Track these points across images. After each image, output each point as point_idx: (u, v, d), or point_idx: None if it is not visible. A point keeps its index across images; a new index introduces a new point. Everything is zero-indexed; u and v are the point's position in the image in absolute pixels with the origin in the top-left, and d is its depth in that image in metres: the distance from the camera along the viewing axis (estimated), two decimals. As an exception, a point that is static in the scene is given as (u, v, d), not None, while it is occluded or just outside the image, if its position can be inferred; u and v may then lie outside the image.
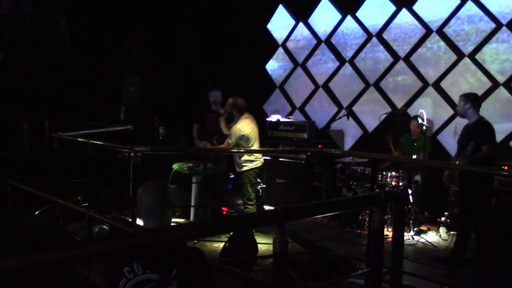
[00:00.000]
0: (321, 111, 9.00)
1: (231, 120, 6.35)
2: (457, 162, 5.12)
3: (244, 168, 6.15)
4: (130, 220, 5.16)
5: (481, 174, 4.81)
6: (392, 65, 8.03)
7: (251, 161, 6.15)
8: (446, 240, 6.11)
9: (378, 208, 2.12)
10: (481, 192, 4.95)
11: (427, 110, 7.20)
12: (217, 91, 7.33)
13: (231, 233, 5.27)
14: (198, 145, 7.05)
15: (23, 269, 1.23)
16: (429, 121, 7.16)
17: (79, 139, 5.20)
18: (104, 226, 5.61)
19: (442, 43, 7.43)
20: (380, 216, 2.11)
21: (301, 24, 9.29)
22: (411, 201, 6.40)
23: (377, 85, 8.20)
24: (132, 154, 4.60)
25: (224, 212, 7.26)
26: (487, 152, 4.81)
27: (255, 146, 6.21)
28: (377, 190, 5.89)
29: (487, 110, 6.82)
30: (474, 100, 5.10)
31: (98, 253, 1.29)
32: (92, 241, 1.33)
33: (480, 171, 4.69)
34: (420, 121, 6.70)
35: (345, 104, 8.62)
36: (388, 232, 5.78)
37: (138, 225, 4.43)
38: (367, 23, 8.35)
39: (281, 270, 1.74)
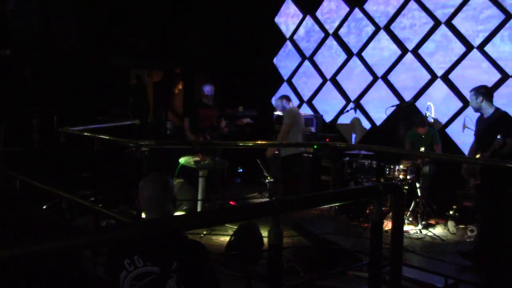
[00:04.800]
0: (329, 104, 8.97)
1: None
2: (477, 156, 5.06)
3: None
4: (136, 214, 5.19)
5: (503, 169, 4.74)
6: (400, 58, 7.96)
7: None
8: (454, 234, 6.06)
9: (377, 200, 2.11)
10: (503, 185, 4.86)
11: (436, 103, 7.14)
12: (211, 85, 7.32)
13: (238, 227, 5.28)
14: (191, 138, 7.11)
15: (15, 258, 1.24)
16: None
17: (85, 134, 5.23)
18: (112, 221, 5.65)
19: (450, 35, 7.35)
20: (378, 207, 2.10)
21: (308, 17, 9.25)
22: (419, 194, 6.36)
23: (385, 78, 8.15)
24: (134, 149, 4.62)
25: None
26: (510, 143, 4.74)
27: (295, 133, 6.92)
28: (383, 183, 5.85)
29: (497, 101, 6.76)
30: (484, 92, 5.02)
31: (87, 244, 1.30)
32: (81, 232, 1.33)
33: (492, 164, 4.63)
34: (427, 114, 6.64)
35: (353, 97, 8.58)
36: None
37: (143, 218, 4.45)
38: (375, 16, 8.29)
39: (276, 261, 1.73)
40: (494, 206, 4.91)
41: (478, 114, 5.28)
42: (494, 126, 4.91)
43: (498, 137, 4.75)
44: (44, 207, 5.36)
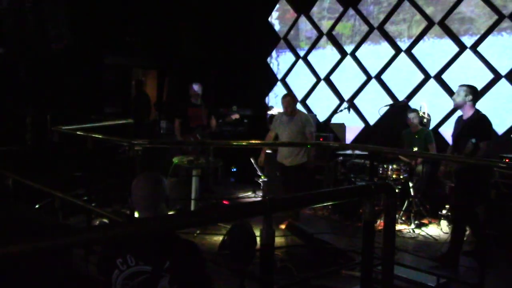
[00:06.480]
0: (322, 104, 8.99)
1: (292, 115, 6.39)
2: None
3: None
4: (129, 213, 5.18)
5: (478, 171, 4.74)
6: (393, 58, 7.99)
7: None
8: (447, 233, 6.08)
9: (369, 199, 2.12)
10: (477, 189, 4.85)
11: (429, 102, 7.18)
12: (198, 84, 7.31)
13: (231, 226, 5.28)
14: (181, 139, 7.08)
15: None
16: (428, 114, 7.14)
17: (78, 133, 5.21)
18: (105, 220, 5.63)
19: (444, 35, 7.38)
20: (370, 207, 2.11)
21: (302, 17, 9.26)
22: (412, 194, 6.38)
23: (378, 77, 8.17)
24: (127, 148, 4.61)
25: (225, 206, 7.28)
26: (486, 149, 4.70)
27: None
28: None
29: (489, 102, 6.80)
30: (475, 93, 4.93)
31: (79, 243, 1.29)
32: (72, 231, 1.33)
33: (479, 163, 4.64)
34: (420, 113, 6.67)
35: (346, 97, 8.60)
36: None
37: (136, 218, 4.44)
38: (368, 16, 8.31)
39: (268, 261, 1.74)
40: (469, 207, 4.92)
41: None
42: (471, 128, 4.83)
43: (473, 140, 4.68)
44: (37, 206, 5.34)
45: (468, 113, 4.93)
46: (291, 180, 6.34)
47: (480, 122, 4.84)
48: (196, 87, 7.22)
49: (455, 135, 5.15)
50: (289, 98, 6.46)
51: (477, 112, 4.92)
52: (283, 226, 5.79)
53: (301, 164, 6.32)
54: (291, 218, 5.87)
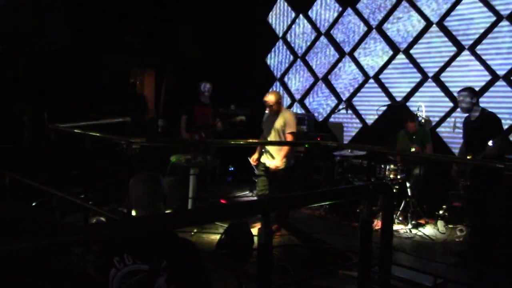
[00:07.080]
0: (320, 104, 8.98)
1: (276, 114, 6.02)
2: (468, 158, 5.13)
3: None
4: (126, 212, 5.18)
5: (493, 169, 4.80)
6: (391, 58, 7.99)
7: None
8: (444, 233, 6.10)
9: (367, 199, 2.12)
10: (492, 185, 4.95)
11: (426, 103, 7.18)
12: (208, 83, 7.29)
13: (228, 225, 5.28)
14: (186, 137, 7.06)
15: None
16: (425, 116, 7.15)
17: (76, 131, 5.20)
18: (102, 218, 5.62)
19: (442, 36, 7.38)
20: (368, 207, 2.11)
21: (301, 17, 9.26)
22: (410, 194, 6.39)
23: (376, 77, 8.17)
24: (125, 146, 4.61)
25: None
26: (500, 144, 4.78)
27: None
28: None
29: (487, 103, 6.81)
30: (476, 93, 5.12)
31: (76, 242, 1.29)
32: (69, 230, 1.33)
33: (481, 165, 4.68)
34: (418, 114, 6.68)
35: (344, 97, 8.60)
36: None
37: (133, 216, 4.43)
38: (366, 16, 8.31)
39: (266, 260, 1.74)
40: (484, 206, 4.97)
41: (465, 115, 5.31)
42: (482, 127, 4.95)
43: (490, 143, 4.71)
44: (34, 204, 5.33)
45: (475, 113, 5.08)
46: (273, 181, 6.13)
47: (489, 120, 4.98)
48: (206, 85, 7.21)
49: (467, 137, 5.26)
50: (271, 96, 5.98)
51: (483, 110, 5.07)
52: None
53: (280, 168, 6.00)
54: (276, 225, 5.87)
